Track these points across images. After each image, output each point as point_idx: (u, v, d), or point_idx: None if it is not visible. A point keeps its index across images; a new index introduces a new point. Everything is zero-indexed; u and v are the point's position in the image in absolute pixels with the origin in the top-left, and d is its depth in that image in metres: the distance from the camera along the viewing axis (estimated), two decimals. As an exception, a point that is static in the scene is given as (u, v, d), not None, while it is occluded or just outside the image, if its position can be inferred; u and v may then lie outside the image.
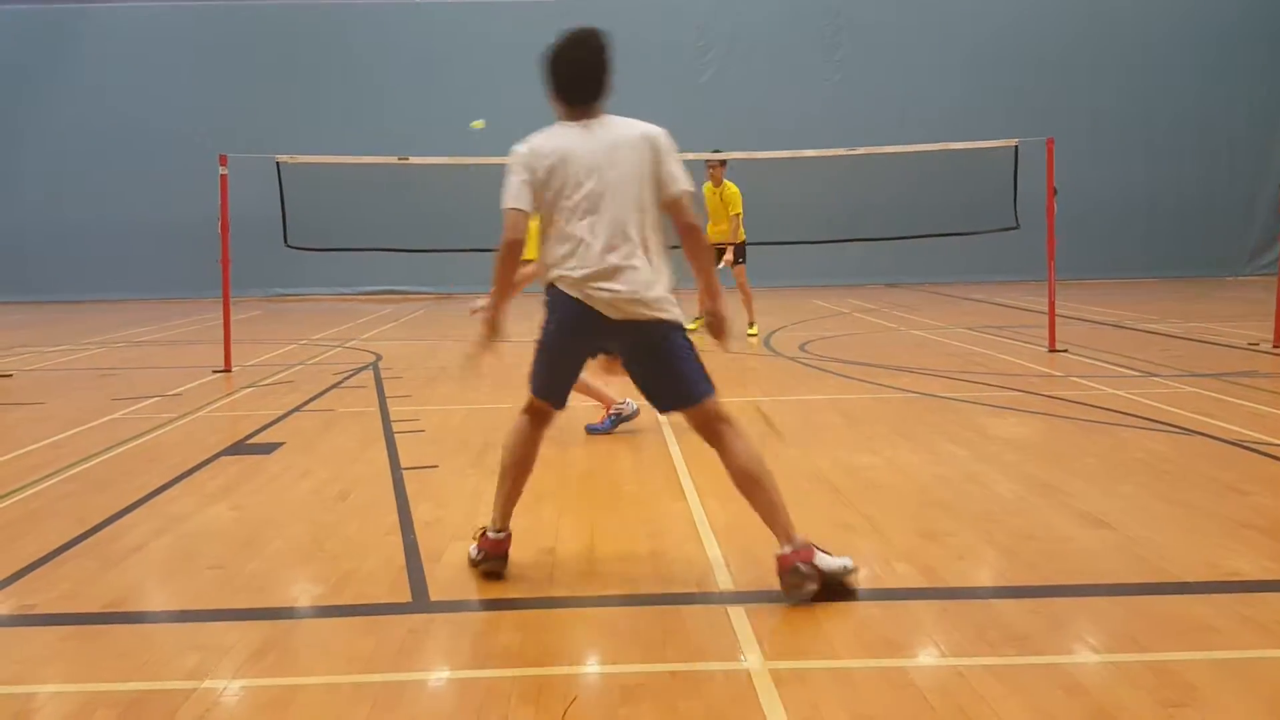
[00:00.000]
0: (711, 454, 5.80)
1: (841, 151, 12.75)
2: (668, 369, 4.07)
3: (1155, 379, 8.40)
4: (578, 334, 4.14)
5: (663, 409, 4.26)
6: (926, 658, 3.25)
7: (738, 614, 3.58)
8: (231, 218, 9.91)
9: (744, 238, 12.27)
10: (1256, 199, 21.50)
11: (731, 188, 12.31)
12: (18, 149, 20.66)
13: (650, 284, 3.99)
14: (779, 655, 3.26)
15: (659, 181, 4.06)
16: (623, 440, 6.53)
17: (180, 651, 3.41)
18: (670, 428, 6.85)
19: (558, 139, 4.10)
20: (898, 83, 20.97)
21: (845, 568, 3.81)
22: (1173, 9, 21.34)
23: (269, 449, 6.48)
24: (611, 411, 6.71)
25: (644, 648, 3.36)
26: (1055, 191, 10.03)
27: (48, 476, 5.84)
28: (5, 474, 5.96)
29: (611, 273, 3.96)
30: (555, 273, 4.04)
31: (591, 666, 3.26)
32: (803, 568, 3.70)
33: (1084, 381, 8.35)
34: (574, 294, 4.01)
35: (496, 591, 3.94)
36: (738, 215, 12.26)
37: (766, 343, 11.57)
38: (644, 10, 21.36)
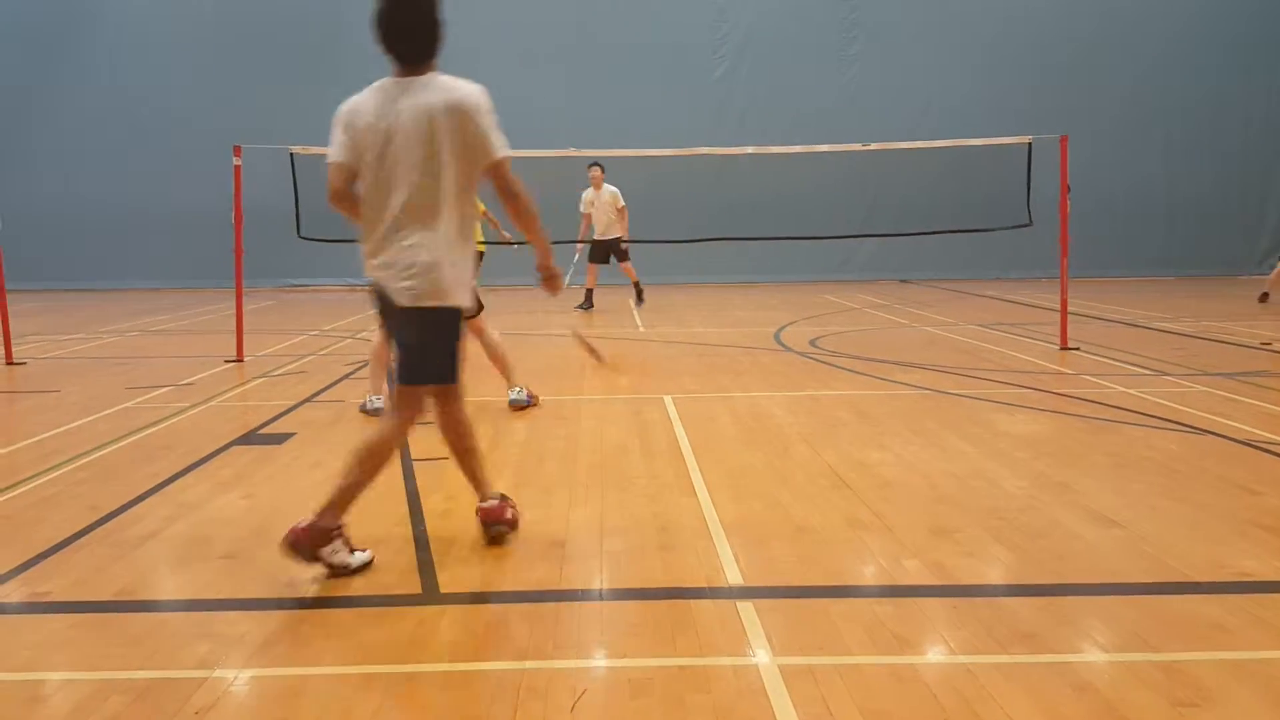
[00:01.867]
0: (723, 449, 5.80)
1: (855, 147, 12.71)
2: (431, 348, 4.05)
3: (1167, 378, 8.37)
4: (382, 315, 4.12)
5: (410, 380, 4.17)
6: (936, 655, 3.25)
7: (747, 609, 3.59)
8: (245, 208, 9.94)
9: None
10: (1270, 198, 21.39)
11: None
12: (33, 138, 20.72)
13: (432, 267, 3.86)
14: (788, 651, 3.26)
15: (468, 148, 3.86)
16: (633, 434, 6.54)
17: (191, 640, 3.43)
18: (680, 422, 6.86)
19: (364, 98, 3.98)
20: (912, 79, 20.89)
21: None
22: (1190, 8, 21.22)
23: (280, 439, 6.50)
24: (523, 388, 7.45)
25: (654, 642, 3.37)
26: (1069, 189, 9.99)
27: (61, 464, 5.87)
28: (19, 461, 5.99)
29: (394, 253, 3.87)
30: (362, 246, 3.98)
31: (601, 660, 3.26)
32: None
33: (1095, 380, 8.33)
34: (370, 274, 3.94)
35: (506, 584, 3.96)
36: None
37: (777, 338, 11.56)
38: (658, 6, 21.33)
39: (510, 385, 7.42)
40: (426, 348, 4.06)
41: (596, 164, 14.79)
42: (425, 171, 3.86)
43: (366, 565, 4.03)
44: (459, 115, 3.87)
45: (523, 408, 7.35)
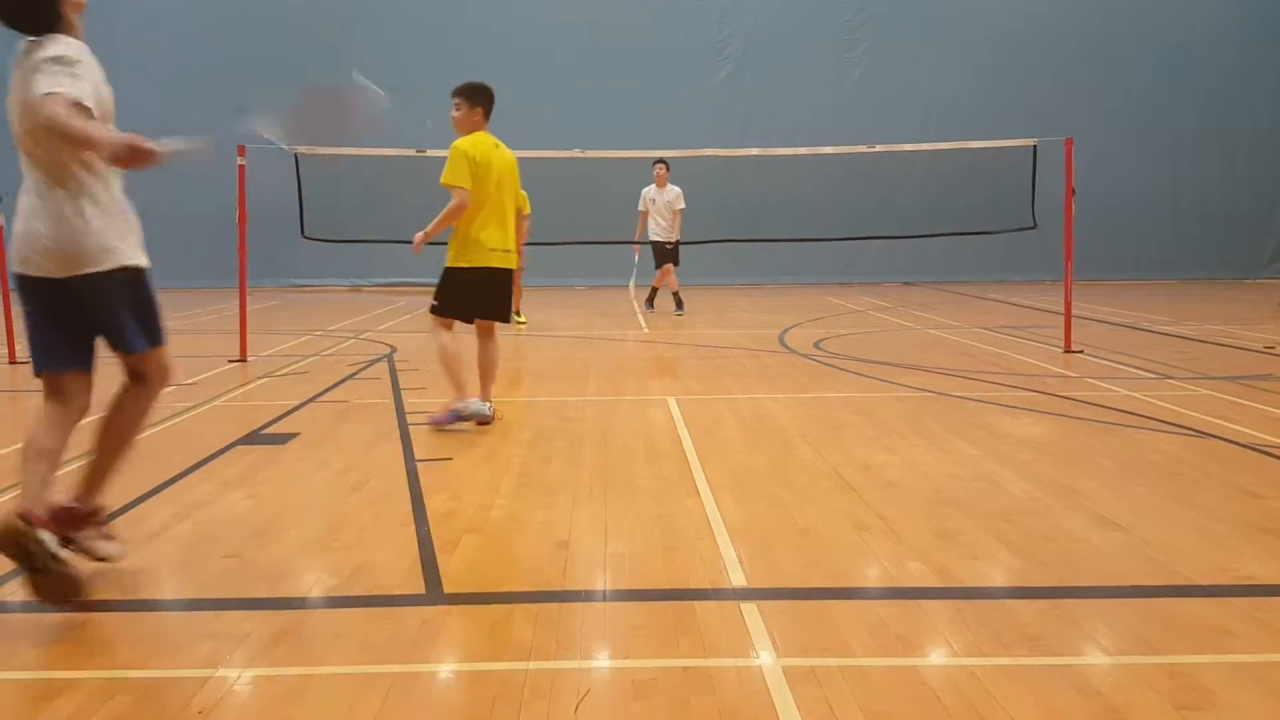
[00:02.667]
0: (727, 450, 5.80)
1: (860, 149, 12.73)
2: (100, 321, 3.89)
3: (1171, 381, 8.36)
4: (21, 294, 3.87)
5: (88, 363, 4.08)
6: (939, 657, 3.25)
7: (751, 610, 3.59)
8: (248, 208, 9.95)
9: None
10: (1274, 203, 21.38)
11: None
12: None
13: (38, 235, 3.65)
14: (792, 652, 3.26)
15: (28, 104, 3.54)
16: (637, 435, 6.54)
17: (195, 639, 3.44)
18: (684, 423, 6.86)
19: None
20: (917, 81, 20.91)
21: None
22: (1197, 11, 21.21)
23: (284, 439, 6.51)
24: (455, 406, 6.69)
25: (657, 643, 3.37)
26: (1074, 192, 9.99)
27: (64, 464, 5.86)
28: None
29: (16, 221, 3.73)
30: None
31: (604, 661, 3.26)
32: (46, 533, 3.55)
33: (1099, 383, 8.32)
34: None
35: (510, 584, 3.96)
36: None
37: (781, 340, 11.56)
38: (662, 7, 21.35)
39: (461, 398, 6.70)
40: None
41: (662, 161, 14.02)
42: (30, 136, 3.73)
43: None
44: (29, 64, 3.67)
45: (483, 422, 6.72)
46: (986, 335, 11.79)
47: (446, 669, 3.23)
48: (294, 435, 6.61)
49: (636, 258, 14.85)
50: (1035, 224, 10.83)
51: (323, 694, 3.04)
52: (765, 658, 3.22)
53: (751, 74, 21.23)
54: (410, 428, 6.79)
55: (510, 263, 6.81)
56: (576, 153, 12.41)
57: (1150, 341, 11.10)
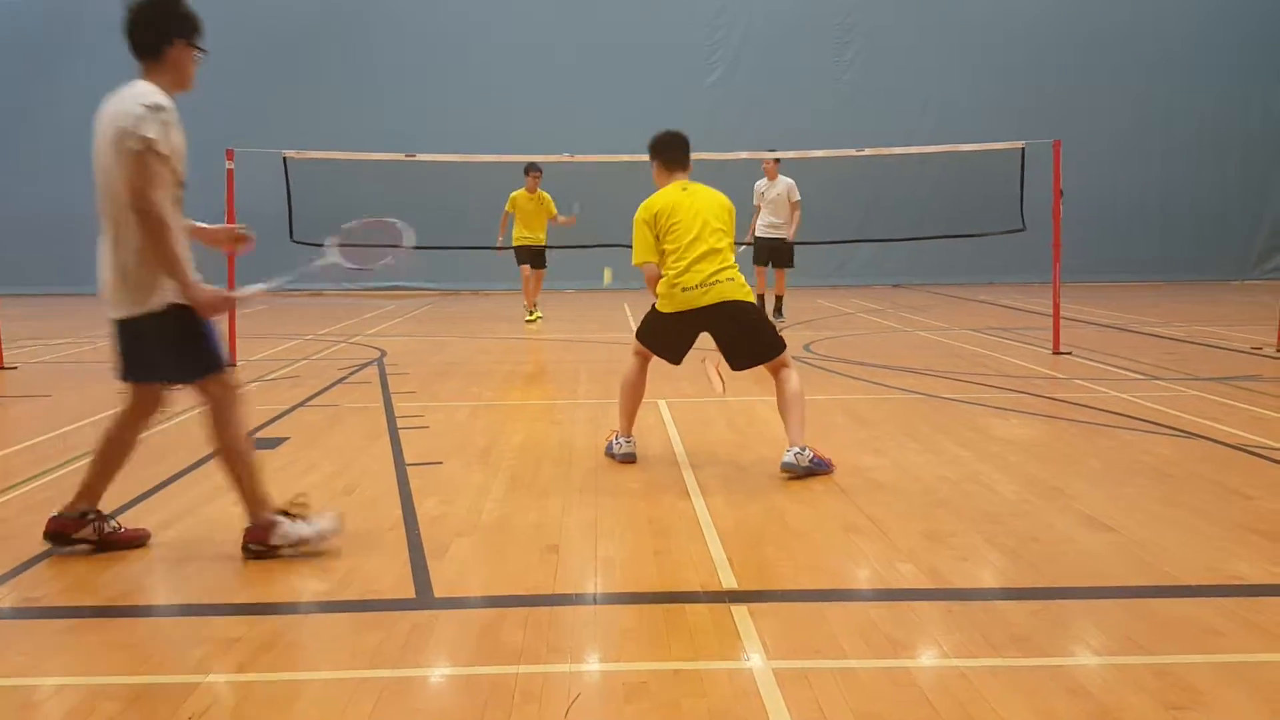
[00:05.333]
0: (718, 453, 5.80)
1: (849, 152, 12.76)
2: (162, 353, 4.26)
3: (1159, 382, 8.40)
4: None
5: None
6: (930, 658, 3.26)
7: (741, 613, 3.59)
8: (237, 212, 9.93)
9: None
10: (1264, 204, 21.48)
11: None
12: (25, 141, 20.68)
13: (109, 284, 4.18)
14: (783, 654, 3.27)
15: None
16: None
17: (185, 645, 3.43)
18: (675, 427, 6.86)
19: None
20: (907, 84, 20.95)
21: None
22: (1186, 14, 21.31)
23: (274, 443, 6.49)
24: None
25: (648, 646, 3.37)
26: (1062, 194, 10.02)
27: (55, 469, 5.86)
28: (13, 466, 5.98)
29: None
30: None
31: (595, 664, 3.26)
32: (253, 546, 4.20)
33: (1088, 384, 8.35)
34: None
35: (500, 588, 3.96)
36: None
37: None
38: (651, 10, 21.37)
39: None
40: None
41: (773, 151, 13.21)
42: (108, 191, 4.27)
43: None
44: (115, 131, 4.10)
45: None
46: (976, 337, 11.82)
47: (437, 673, 3.23)
48: (284, 439, 6.60)
49: (740, 249, 14.32)
50: (1024, 226, 10.86)
51: (313, 699, 3.03)
52: (756, 660, 3.23)
53: (743, 77, 21.26)
54: (400, 431, 6.78)
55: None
56: (565, 157, 12.42)
57: (1138, 343, 11.14)
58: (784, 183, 13.19)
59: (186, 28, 4.17)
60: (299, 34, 20.58)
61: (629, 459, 5.88)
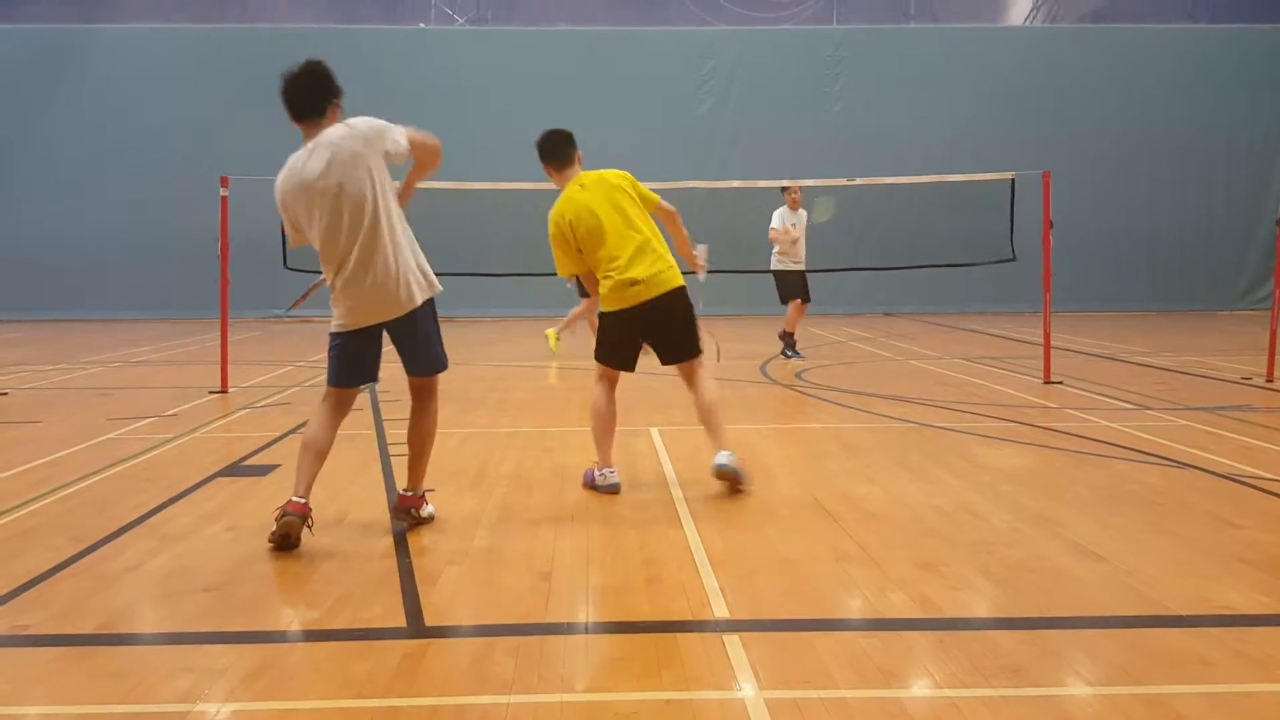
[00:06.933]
0: (710, 481, 5.80)
1: (840, 182, 12.83)
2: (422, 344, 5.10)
3: (1149, 412, 8.43)
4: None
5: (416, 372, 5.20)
6: (921, 688, 3.26)
7: (733, 643, 3.58)
8: (231, 239, 9.95)
9: None
10: (1251, 235, 21.64)
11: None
12: (19, 166, 20.72)
13: (405, 280, 4.94)
14: (774, 684, 3.26)
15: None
16: (620, 466, 6.52)
17: (173, 673, 3.41)
18: (667, 454, 6.87)
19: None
20: (897, 115, 21.13)
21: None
22: (1174, 48, 21.56)
23: (265, 470, 6.48)
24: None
25: (639, 675, 3.36)
26: (1052, 225, 10.10)
27: (44, 495, 5.83)
28: (2, 492, 5.95)
29: None
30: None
31: (586, 694, 3.25)
32: (411, 510, 5.09)
33: (1079, 413, 8.38)
34: None
35: (491, 617, 3.94)
36: None
37: (763, 370, 11.59)
38: (644, 41, 21.56)
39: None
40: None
41: (795, 180, 12.64)
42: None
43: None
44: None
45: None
46: (967, 366, 11.85)
47: (428, 703, 3.21)
48: (275, 467, 6.58)
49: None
50: (1014, 256, 10.93)
51: (302, 728, 3.01)
52: (748, 690, 3.22)
53: (733, 107, 21.40)
54: (392, 459, 6.77)
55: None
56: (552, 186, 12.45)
57: (1129, 372, 11.18)
58: (804, 211, 12.52)
59: (339, 90, 5.11)
60: (295, 62, 20.67)
61: (613, 489, 5.80)
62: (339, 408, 5.06)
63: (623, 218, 5.78)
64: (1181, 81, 21.43)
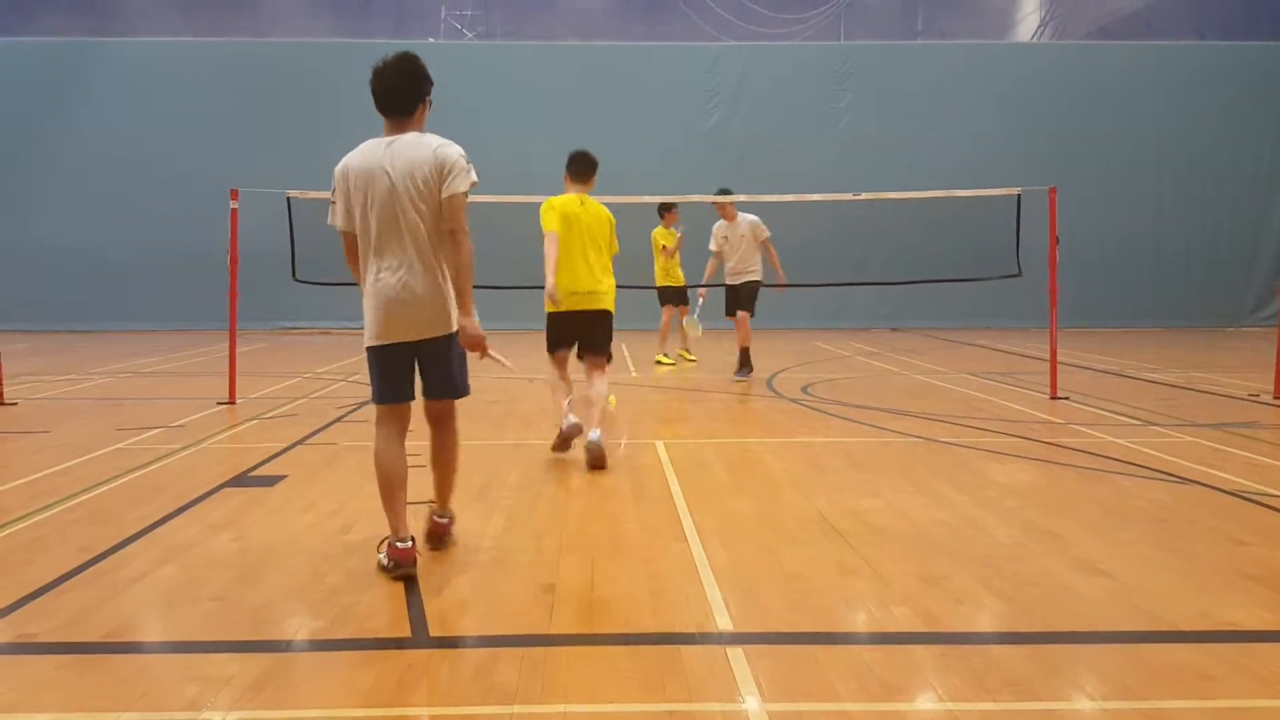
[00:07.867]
0: (715, 495, 5.82)
1: (847, 197, 12.86)
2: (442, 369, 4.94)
3: (1155, 428, 8.42)
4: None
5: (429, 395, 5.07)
6: (925, 702, 3.26)
7: (737, 655, 3.59)
8: (240, 251, 10.00)
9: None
10: (1259, 251, 21.61)
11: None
12: (30, 178, 20.82)
13: (432, 305, 4.78)
14: (778, 697, 3.27)
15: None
16: (625, 478, 6.55)
17: (179, 682, 3.42)
18: (671, 466, 6.88)
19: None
20: (904, 130, 21.15)
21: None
22: (1181, 65, 21.57)
23: (272, 481, 6.50)
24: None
25: (643, 687, 3.37)
26: (1058, 240, 10.11)
27: (52, 505, 5.86)
28: (10, 501, 5.98)
29: None
30: None
31: (590, 705, 3.26)
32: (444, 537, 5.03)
33: (1085, 429, 8.37)
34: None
35: (496, 628, 3.96)
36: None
37: (770, 384, 11.60)
38: (651, 56, 21.63)
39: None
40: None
41: (726, 190, 12.27)
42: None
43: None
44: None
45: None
46: (973, 381, 11.85)
47: (432, 712, 3.23)
48: (282, 477, 6.61)
49: (701, 301, 13.79)
50: (1020, 271, 10.94)
51: (307, 737, 3.03)
52: (751, 703, 3.23)
53: (739, 122, 21.46)
54: (398, 471, 6.79)
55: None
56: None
57: (1135, 388, 11.18)
58: (746, 221, 12.03)
59: (431, 86, 4.84)
60: (304, 76, 20.78)
61: (574, 429, 7.10)
62: (395, 425, 4.88)
63: (592, 243, 7.18)
64: (1188, 98, 21.43)
